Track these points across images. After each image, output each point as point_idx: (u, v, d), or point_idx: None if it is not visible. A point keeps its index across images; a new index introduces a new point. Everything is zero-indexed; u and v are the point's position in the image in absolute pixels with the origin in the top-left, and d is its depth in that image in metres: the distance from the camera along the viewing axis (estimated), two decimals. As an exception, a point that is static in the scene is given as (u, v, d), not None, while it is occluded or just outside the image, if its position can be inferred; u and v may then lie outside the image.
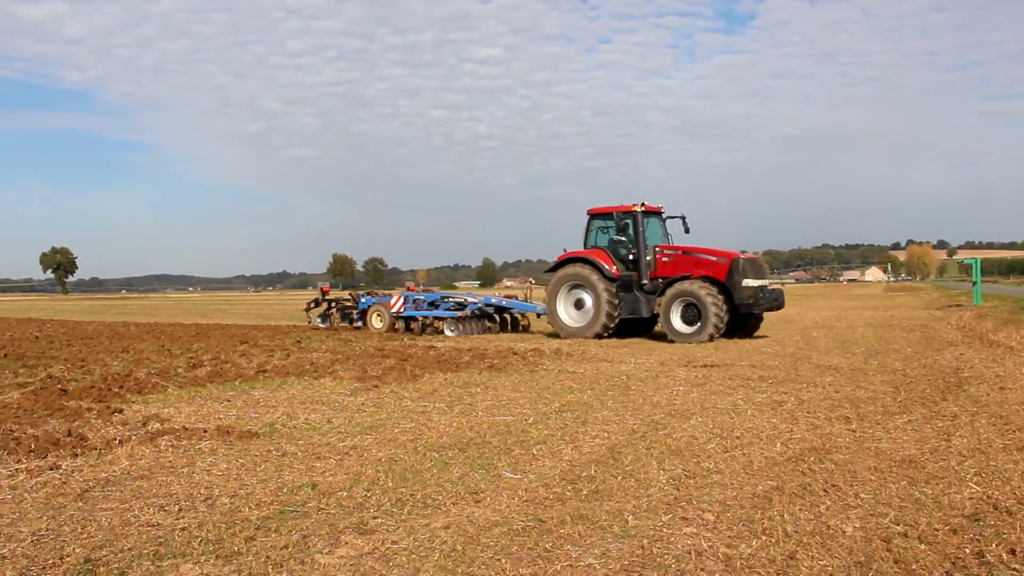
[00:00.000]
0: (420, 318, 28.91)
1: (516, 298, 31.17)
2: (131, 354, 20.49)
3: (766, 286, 24.62)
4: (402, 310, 29.38)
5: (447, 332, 27.66)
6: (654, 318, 24.94)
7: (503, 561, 5.44)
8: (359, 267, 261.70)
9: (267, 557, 5.53)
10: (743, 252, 24.81)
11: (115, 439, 9.31)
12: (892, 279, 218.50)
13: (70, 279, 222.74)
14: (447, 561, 5.45)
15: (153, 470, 8.02)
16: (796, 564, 5.35)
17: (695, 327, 23.30)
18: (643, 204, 25.36)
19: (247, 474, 7.87)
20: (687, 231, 26.13)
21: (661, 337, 24.54)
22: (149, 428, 10.11)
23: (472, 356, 18.89)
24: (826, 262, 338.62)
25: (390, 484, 7.42)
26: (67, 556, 5.54)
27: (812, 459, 8.28)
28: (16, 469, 8.00)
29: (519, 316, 30.31)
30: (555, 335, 25.88)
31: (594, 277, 24.85)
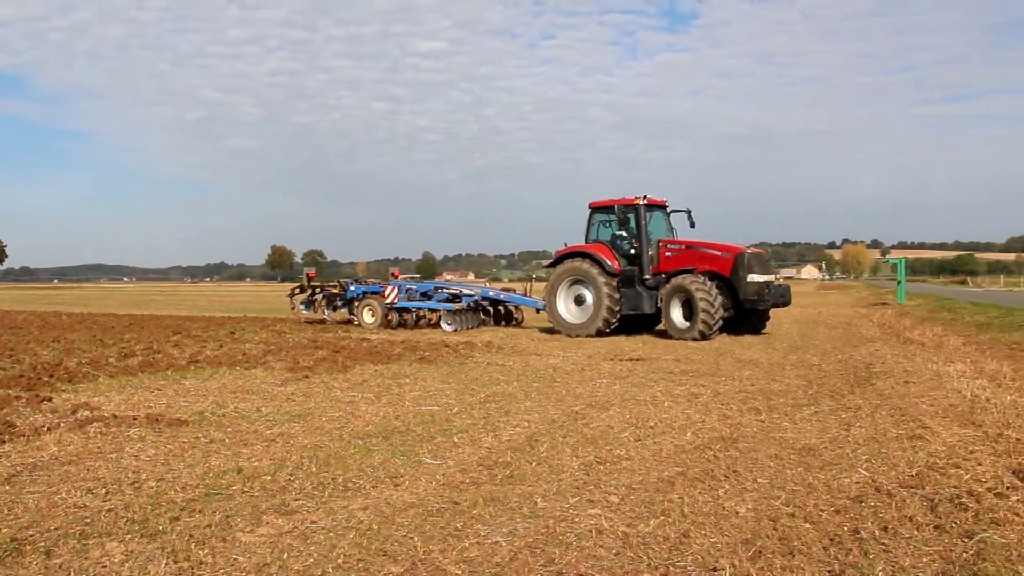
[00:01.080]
0: (414, 310, 27.86)
1: (514, 291, 30.16)
2: (62, 344, 20.49)
3: (771, 282, 23.77)
4: (396, 302, 27.80)
5: (444, 326, 26.51)
6: (658, 314, 24.08)
7: (415, 539, 5.77)
8: (298, 259, 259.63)
9: (190, 535, 5.82)
10: (749, 246, 24.10)
11: (43, 426, 9.49)
12: (827, 277, 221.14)
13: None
14: (362, 539, 5.78)
15: (81, 456, 8.22)
16: (688, 542, 5.75)
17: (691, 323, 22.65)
18: (645, 197, 24.50)
19: (174, 459, 8.10)
20: (692, 225, 25.28)
21: (665, 334, 23.81)
22: (78, 416, 10.27)
23: (404, 348, 19.14)
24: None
25: (313, 469, 7.72)
26: (-4, 533, 5.79)
27: (718, 447, 8.71)
28: (-54, 454, 8.19)
29: (513, 309, 29.27)
30: (551, 331, 25.45)
31: (595, 272, 24.06)
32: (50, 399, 11.55)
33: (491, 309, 28.90)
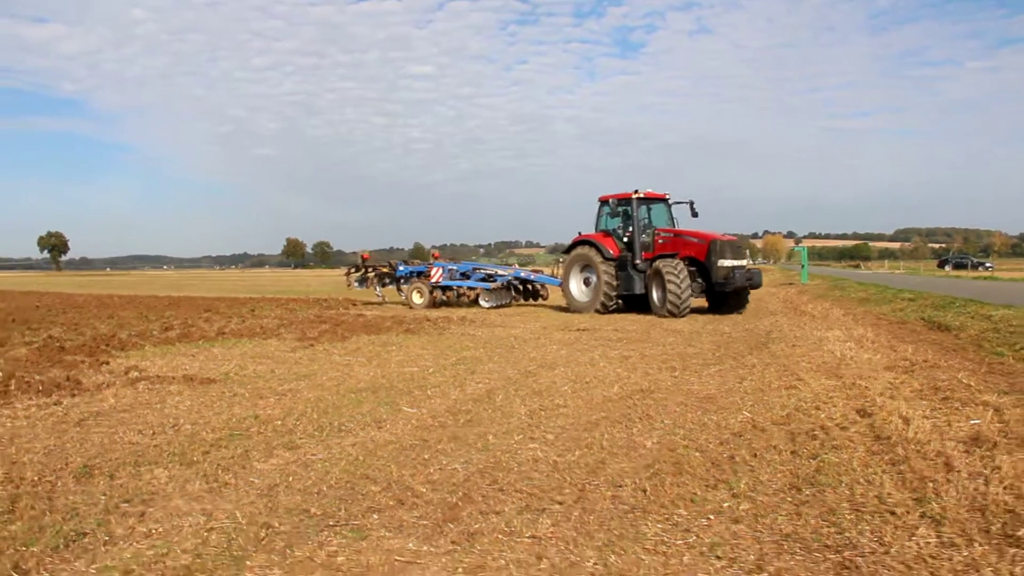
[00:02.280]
0: (456, 288, 26.67)
1: (541, 272, 28.94)
2: (115, 320, 20.69)
3: (743, 266, 22.22)
4: (440, 280, 26.86)
5: (482, 303, 25.55)
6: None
7: (391, 466, 6.22)
8: (309, 249, 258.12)
9: (218, 464, 6.25)
10: (723, 234, 22.80)
11: (103, 383, 9.90)
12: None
13: (63, 258, 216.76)
14: (351, 467, 6.22)
15: (133, 406, 8.63)
16: (603, 467, 6.21)
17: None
18: (636, 191, 23.50)
19: (205, 409, 8.50)
20: (694, 215, 23.87)
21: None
22: (130, 376, 10.64)
23: (393, 322, 19.43)
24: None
25: (315, 416, 8.12)
26: (71, 463, 6.22)
27: (637, 397, 9.17)
28: (29, 404, 8.59)
29: (540, 288, 27.84)
30: (564, 308, 24.59)
31: (596, 257, 23.30)
32: (108, 363, 11.91)
33: (521, 288, 27.68)
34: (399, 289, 28.25)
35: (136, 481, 5.77)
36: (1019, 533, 4.49)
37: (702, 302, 23.59)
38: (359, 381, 10.42)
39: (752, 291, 23.25)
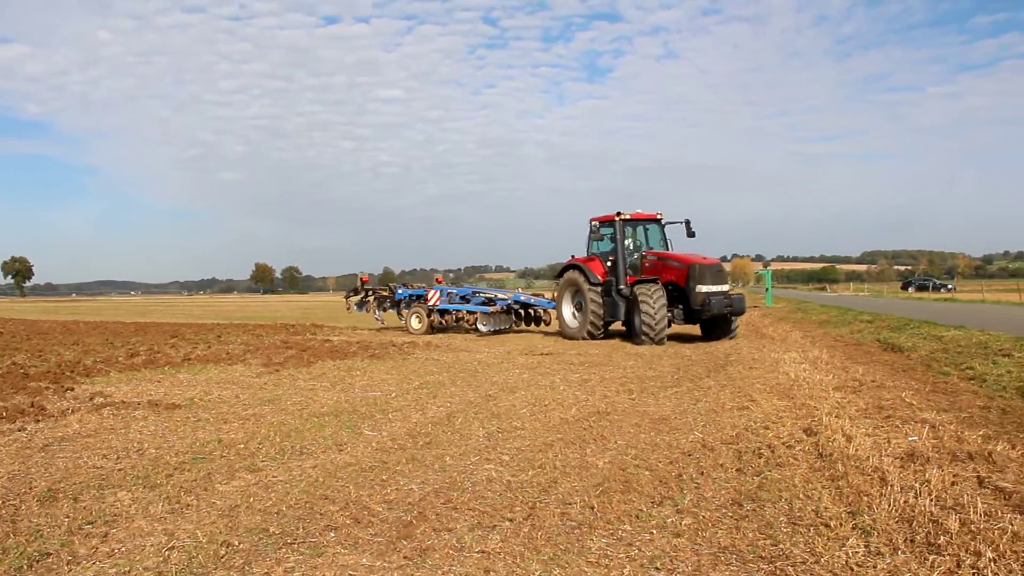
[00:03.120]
0: (454, 311, 25.71)
1: (543, 296, 27.36)
2: (80, 346, 20.58)
3: (724, 292, 20.97)
4: (438, 303, 25.94)
5: (480, 327, 24.61)
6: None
7: (350, 487, 6.42)
8: (278, 274, 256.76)
9: (180, 487, 6.42)
10: (705, 258, 21.52)
11: (68, 409, 9.99)
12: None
13: (27, 284, 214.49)
14: (310, 488, 6.41)
15: (97, 431, 8.73)
16: (555, 486, 6.44)
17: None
18: (619, 213, 22.32)
19: (169, 433, 8.63)
20: (690, 235, 22.64)
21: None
22: (95, 401, 10.73)
23: (358, 348, 19.50)
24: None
25: (277, 440, 8.28)
26: (35, 487, 6.35)
27: (594, 419, 9.41)
28: (-9, 432, 8.67)
29: (542, 312, 26.45)
30: (560, 334, 23.88)
31: (583, 282, 22.51)
32: (72, 389, 11.95)
33: (522, 312, 26.64)
34: (399, 313, 27.54)
35: (99, 504, 5.92)
36: (940, 541, 4.77)
37: (695, 329, 22.88)
38: (322, 405, 10.58)
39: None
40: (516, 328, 26.58)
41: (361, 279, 30.29)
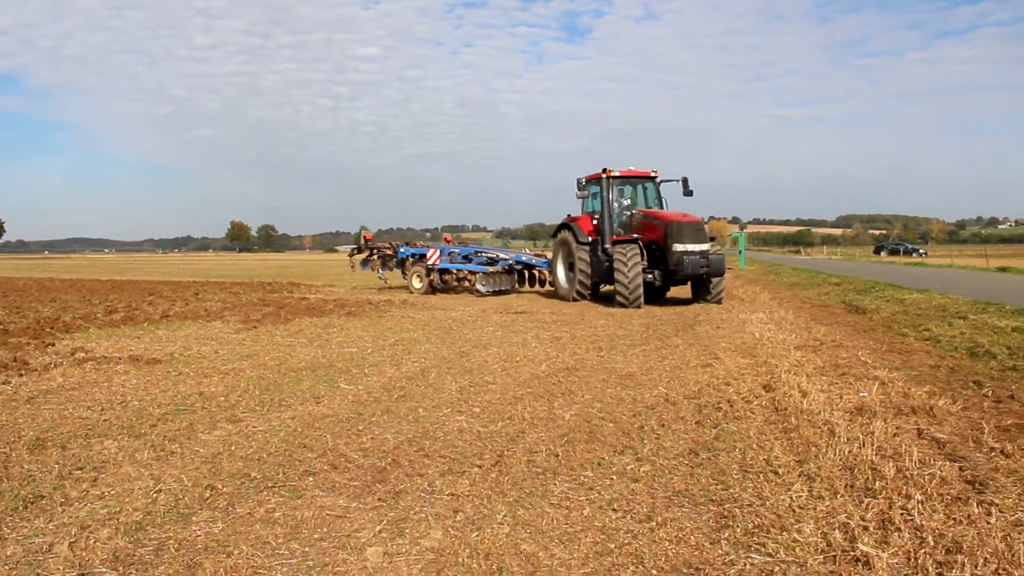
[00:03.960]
0: (455, 271, 25.13)
1: (545, 257, 26.05)
2: (58, 303, 20.67)
3: (703, 251, 19.72)
4: (437, 263, 25.22)
5: (479, 287, 23.96)
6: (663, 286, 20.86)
7: (327, 436, 6.73)
8: (254, 232, 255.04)
9: (165, 436, 6.70)
10: (685, 215, 20.48)
11: (51, 364, 10.21)
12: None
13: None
14: (289, 437, 6.72)
15: (81, 384, 8.98)
16: (523, 436, 6.79)
17: None
18: (605, 170, 21.30)
19: (151, 387, 8.89)
20: (687, 193, 21.59)
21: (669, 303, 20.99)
22: (76, 356, 10.94)
23: (336, 305, 19.75)
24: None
25: (256, 393, 8.57)
26: (23, 436, 6.62)
27: (563, 375, 9.77)
28: (-24, 385, 8.90)
29: (546, 273, 25.57)
30: (553, 294, 23.60)
31: (572, 241, 21.67)
32: (53, 344, 12.17)
33: (524, 273, 26.17)
34: (403, 273, 26.65)
35: (87, 451, 6.20)
36: (876, 486, 5.15)
37: (687, 291, 21.97)
38: (300, 361, 10.85)
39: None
40: (518, 289, 26.02)
41: (364, 236, 29.03)
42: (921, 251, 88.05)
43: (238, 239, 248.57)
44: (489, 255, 25.98)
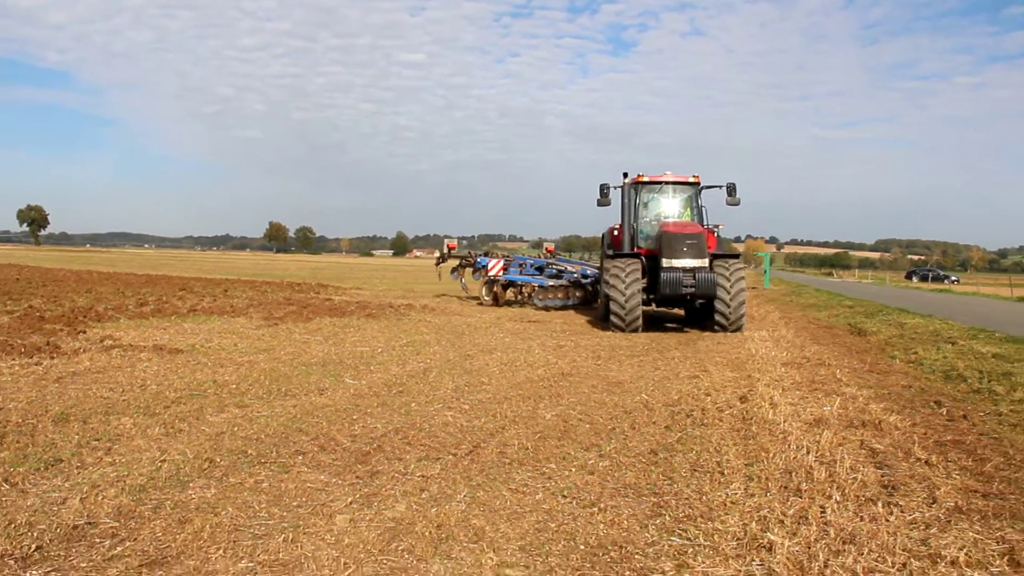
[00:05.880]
0: (519, 284, 24.07)
1: None
2: (93, 294, 21.63)
3: (695, 268, 17.10)
4: (500, 274, 23.99)
5: (535, 301, 22.94)
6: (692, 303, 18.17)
7: (323, 423, 7.37)
8: (291, 234, 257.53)
9: (176, 416, 7.39)
10: (684, 225, 18.10)
11: (80, 349, 10.99)
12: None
13: (42, 233, 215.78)
14: (289, 422, 7.37)
15: (106, 368, 9.71)
16: (503, 431, 7.38)
17: None
18: (626, 175, 19.10)
19: (170, 373, 9.59)
20: (732, 203, 18.67)
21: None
22: (104, 343, 11.71)
23: (357, 307, 20.49)
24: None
25: (266, 383, 9.25)
26: (50, 410, 7.33)
27: (556, 379, 10.35)
28: (12, 364, 9.66)
29: None
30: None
31: (604, 253, 19.75)
32: (84, 332, 12.97)
33: (590, 288, 23.54)
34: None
35: (105, 426, 6.89)
36: (805, 487, 5.69)
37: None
38: (313, 356, 11.52)
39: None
40: (576, 306, 23.75)
41: (448, 246, 28.06)
42: (953, 278, 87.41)
43: (276, 239, 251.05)
44: (559, 267, 24.67)
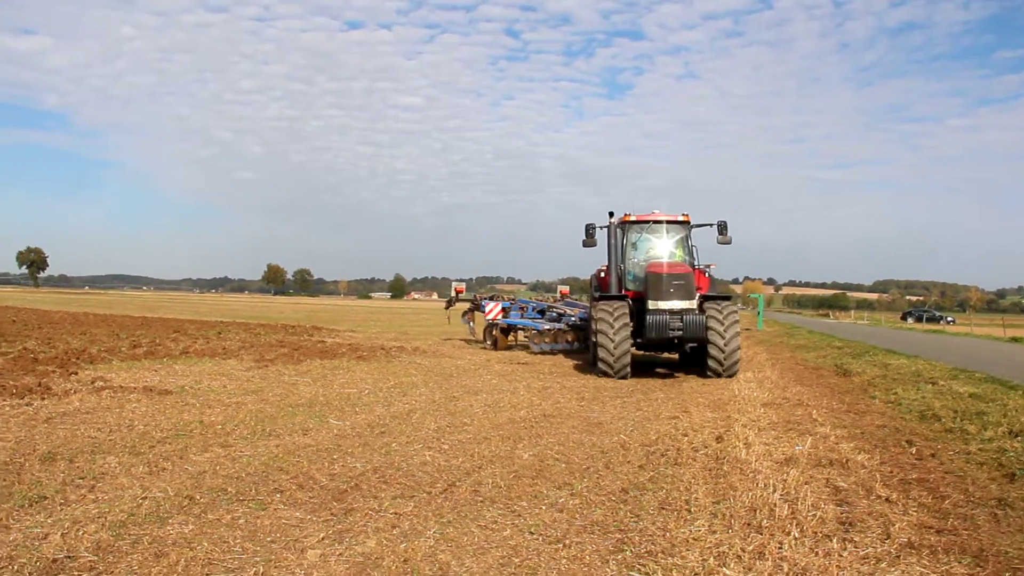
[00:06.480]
0: (516, 328, 23.82)
1: None
2: (87, 336, 21.84)
3: (683, 311, 16.61)
4: (497, 318, 23.78)
5: (531, 345, 22.29)
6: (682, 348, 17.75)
7: (304, 462, 7.56)
8: (289, 276, 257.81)
9: (160, 455, 7.58)
10: (672, 265, 17.43)
11: (71, 390, 11.18)
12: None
13: (41, 275, 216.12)
14: (270, 461, 7.55)
15: (95, 409, 9.89)
16: (479, 470, 7.56)
17: None
18: (611, 214, 18.32)
19: (158, 414, 9.77)
20: (723, 241, 18.07)
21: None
22: (95, 384, 11.89)
23: (348, 349, 20.69)
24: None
25: (252, 423, 9.44)
26: (37, 449, 7.52)
27: (538, 420, 10.53)
28: (3, 405, 9.85)
29: None
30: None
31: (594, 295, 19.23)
32: (76, 373, 13.15)
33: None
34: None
35: (91, 465, 7.08)
36: (766, 524, 5.87)
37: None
38: (300, 398, 11.71)
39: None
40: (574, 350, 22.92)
41: (456, 290, 27.85)
42: (949, 319, 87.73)
43: (274, 282, 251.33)
44: (559, 311, 24.16)
